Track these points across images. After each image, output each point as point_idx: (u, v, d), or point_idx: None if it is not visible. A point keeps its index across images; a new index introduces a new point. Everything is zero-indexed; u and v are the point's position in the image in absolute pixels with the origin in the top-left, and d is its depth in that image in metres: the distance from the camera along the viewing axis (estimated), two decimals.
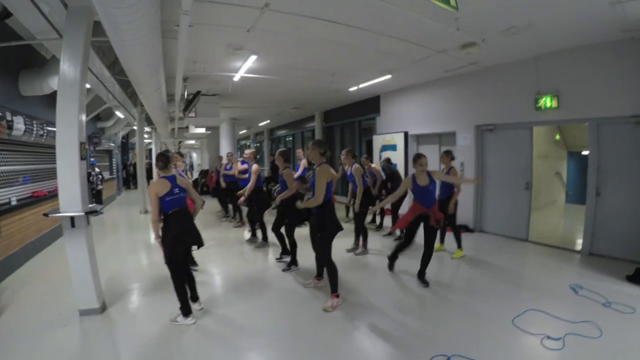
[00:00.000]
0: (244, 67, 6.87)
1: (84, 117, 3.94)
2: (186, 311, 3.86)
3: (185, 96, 8.36)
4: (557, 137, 9.46)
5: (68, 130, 3.79)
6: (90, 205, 4.14)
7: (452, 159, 5.77)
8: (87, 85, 6.06)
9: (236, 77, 7.56)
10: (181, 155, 6.42)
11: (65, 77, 3.75)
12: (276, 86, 8.74)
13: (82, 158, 3.91)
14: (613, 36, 5.23)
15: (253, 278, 5.25)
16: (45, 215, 3.94)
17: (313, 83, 8.56)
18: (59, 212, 3.83)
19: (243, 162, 7.82)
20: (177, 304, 3.85)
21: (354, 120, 12.44)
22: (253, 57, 6.26)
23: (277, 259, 5.92)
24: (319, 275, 4.82)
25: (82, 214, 3.83)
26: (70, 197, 3.84)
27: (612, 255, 5.67)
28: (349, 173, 6.29)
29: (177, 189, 3.81)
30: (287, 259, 5.61)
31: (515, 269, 5.47)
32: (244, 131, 23.59)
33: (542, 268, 5.43)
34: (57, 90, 3.77)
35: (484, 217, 7.57)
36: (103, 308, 4.20)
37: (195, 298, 4.11)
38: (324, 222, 4.13)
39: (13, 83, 5.91)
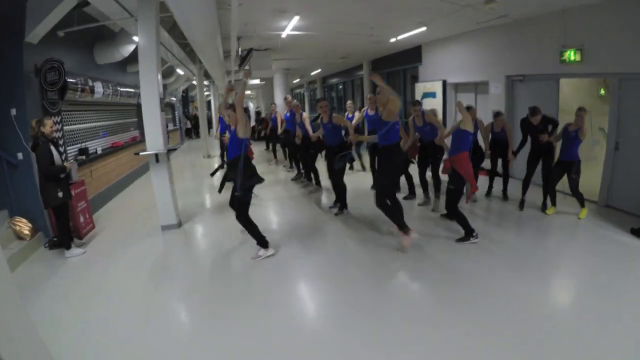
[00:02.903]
0: (289, 27, 7.61)
1: (160, 78, 5.07)
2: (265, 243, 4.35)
3: (239, 52, 9.28)
4: (602, 91, 8.93)
5: (150, 90, 4.95)
6: (170, 145, 5.39)
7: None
8: None
9: (283, 35, 8.31)
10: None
11: (144, 50, 4.87)
12: (321, 40, 9.36)
13: (161, 110, 5.07)
14: None
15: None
16: (137, 154, 5.24)
17: (354, 36, 9.08)
18: (147, 151, 5.09)
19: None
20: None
21: (399, 69, 12.86)
22: (296, 18, 6.97)
23: (330, 207, 6.24)
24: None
25: (165, 151, 5.08)
26: (155, 140, 5.08)
27: (626, 210, 5.62)
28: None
29: None
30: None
31: (531, 209, 5.91)
32: (297, 80, 24.35)
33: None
34: (139, 61, 4.90)
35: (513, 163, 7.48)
36: (179, 224, 5.53)
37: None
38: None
39: (90, 55, 7.07)
